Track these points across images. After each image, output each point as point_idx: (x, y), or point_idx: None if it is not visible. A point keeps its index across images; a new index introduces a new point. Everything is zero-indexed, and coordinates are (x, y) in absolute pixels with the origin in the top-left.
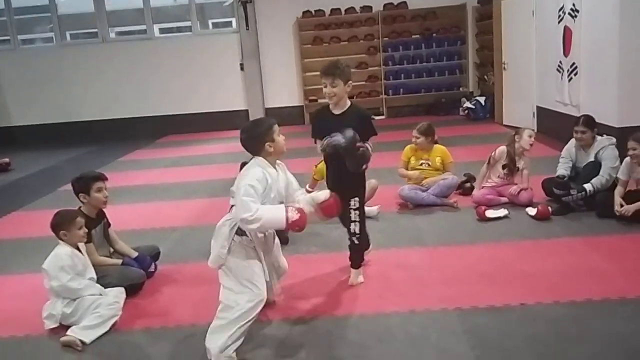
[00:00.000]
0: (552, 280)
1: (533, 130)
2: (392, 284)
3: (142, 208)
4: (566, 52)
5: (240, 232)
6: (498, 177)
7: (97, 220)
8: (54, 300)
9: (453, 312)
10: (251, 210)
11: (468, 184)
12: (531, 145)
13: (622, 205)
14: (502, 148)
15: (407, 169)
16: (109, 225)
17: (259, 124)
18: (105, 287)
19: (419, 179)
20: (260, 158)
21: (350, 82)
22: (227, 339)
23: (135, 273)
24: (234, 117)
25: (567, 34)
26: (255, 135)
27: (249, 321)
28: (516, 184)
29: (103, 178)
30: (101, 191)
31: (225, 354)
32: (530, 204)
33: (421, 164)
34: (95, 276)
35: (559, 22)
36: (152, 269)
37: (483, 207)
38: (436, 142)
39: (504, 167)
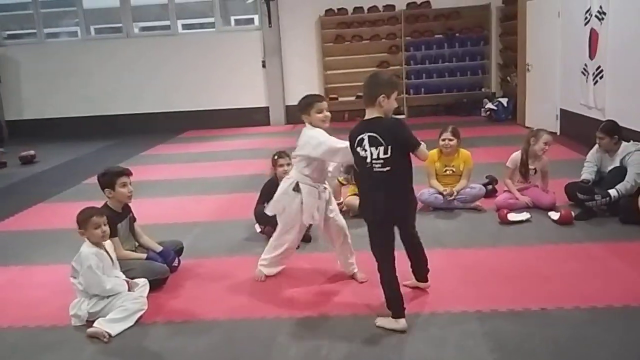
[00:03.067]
0: (573, 285)
1: (550, 135)
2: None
3: (164, 202)
4: (592, 55)
5: (296, 189)
6: (518, 181)
7: (123, 214)
8: (81, 300)
9: (473, 314)
10: (342, 142)
11: (490, 186)
12: (544, 151)
13: None
14: (514, 156)
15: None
16: (134, 219)
17: (307, 97)
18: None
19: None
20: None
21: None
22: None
23: (160, 268)
24: (254, 114)
25: (593, 37)
26: (300, 104)
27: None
28: (537, 186)
29: (127, 173)
30: (126, 186)
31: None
32: (553, 207)
33: (445, 171)
34: (121, 275)
35: (585, 25)
36: (175, 263)
37: (505, 210)
38: None
39: (520, 171)
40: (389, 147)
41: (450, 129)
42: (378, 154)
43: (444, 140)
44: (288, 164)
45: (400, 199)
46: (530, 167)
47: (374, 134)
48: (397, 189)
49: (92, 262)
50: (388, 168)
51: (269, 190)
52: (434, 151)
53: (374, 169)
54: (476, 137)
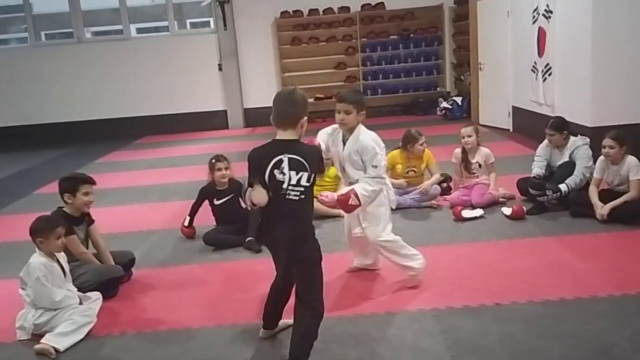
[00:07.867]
0: (527, 279)
1: (471, 126)
2: (369, 284)
3: (120, 210)
4: (540, 53)
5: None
6: (465, 176)
7: (79, 219)
8: (26, 311)
9: (429, 312)
10: None
11: (445, 184)
12: (466, 141)
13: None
14: (456, 151)
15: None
16: (92, 221)
17: None
18: (83, 286)
19: (403, 185)
20: None
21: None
22: None
23: (113, 268)
24: (212, 118)
25: (541, 35)
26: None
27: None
28: (486, 184)
29: (92, 182)
30: (88, 195)
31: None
32: (488, 205)
33: (408, 172)
34: (73, 288)
35: (533, 23)
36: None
37: (459, 207)
38: None
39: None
40: (313, 175)
41: (420, 132)
42: (298, 180)
43: (421, 144)
44: (226, 168)
45: (304, 233)
46: (472, 161)
47: (297, 157)
48: (305, 221)
49: (40, 273)
50: (303, 197)
51: (205, 197)
52: (396, 152)
53: (287, 197)
54: (432, 135)
